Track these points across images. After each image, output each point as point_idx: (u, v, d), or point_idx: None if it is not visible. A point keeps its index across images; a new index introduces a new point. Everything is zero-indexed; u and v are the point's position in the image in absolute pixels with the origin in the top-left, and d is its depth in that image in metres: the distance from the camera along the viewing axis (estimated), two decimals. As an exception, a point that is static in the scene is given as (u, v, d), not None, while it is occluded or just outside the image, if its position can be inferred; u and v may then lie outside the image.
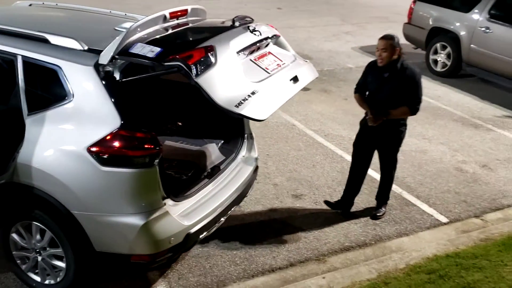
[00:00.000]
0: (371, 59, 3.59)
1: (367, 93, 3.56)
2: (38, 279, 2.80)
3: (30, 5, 3.52)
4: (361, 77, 3.60)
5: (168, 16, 2.75)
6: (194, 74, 2.27)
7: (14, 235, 2.75)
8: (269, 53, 2.98)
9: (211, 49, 2.46)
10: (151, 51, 2.35)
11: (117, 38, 2.37)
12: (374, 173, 4.44)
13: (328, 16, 11.19)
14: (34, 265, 2.79)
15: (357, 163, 3.73)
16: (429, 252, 3.37)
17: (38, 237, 2.70)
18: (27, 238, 2.73)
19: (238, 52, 2.66)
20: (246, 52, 2.77)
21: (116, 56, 2.37)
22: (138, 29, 2.51)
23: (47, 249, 2.70)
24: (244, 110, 2.31)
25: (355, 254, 3.37)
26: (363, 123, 3.58)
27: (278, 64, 2.89)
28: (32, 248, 2.74)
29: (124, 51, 2.37)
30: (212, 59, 2.42)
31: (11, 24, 2.78)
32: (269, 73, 2.76)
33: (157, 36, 2.60)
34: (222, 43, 2.58)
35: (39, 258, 2.74)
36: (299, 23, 10.07)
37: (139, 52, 2.37)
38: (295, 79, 2.83)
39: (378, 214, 3.78)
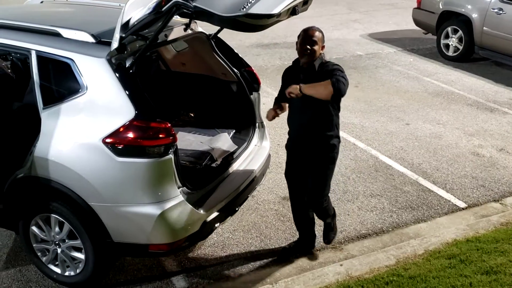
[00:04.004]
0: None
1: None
2: (58, 270, 2.83)
3: (42, 2, 3.55)
4: (280, 87, 2.91)
5: None
6: (190, 1, 2.25)
7: (34, 228, 2.78)
8: None
9: None
10: (148, 8, 2.37)
11: (118, 20, 2.36)
12: (388, 159, 4.41)
13: (335, 5, 11.06)
14: (54, 257, 2.82)
15: (296, 194, 3.04)
16: (448, 238, 3.31)
17: (57, 229, 2.72)
18: (47, 231, 2.76)
19: None
20: None
21: (123, 35, 2.35)
22: (135, 4, 2.44)
23: (66, 241, 2.72)
24: (251, 10, 2.22)
25: (372, 242, 3.34)
26: (288, 146, 2.98)
27: None
28: (52, 241, 2.77)
29: (127, 26, 2.37)
30: None
31: (24, 20, 2.80)
32: None
33: None
34: None
35: (59, 250, 2.77)
36: (305, 13, 9.76)
37: (139, 17, 2.37)
38: None
39: (331, 238, 3.21)
